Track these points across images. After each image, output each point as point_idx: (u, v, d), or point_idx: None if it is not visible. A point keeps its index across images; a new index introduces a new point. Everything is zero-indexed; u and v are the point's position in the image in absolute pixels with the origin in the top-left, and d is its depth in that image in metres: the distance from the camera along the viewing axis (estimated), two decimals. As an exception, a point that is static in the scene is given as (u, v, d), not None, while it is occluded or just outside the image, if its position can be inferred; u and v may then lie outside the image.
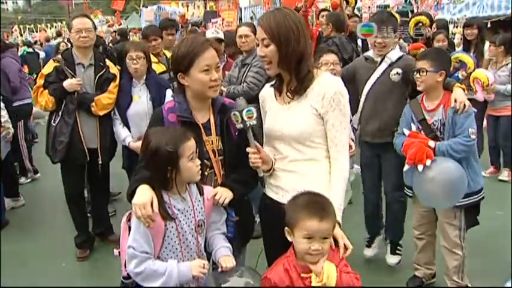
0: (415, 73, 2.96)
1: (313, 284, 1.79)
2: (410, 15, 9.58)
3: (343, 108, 2.03)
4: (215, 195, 2.04)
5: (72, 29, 3.73)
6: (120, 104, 3.83)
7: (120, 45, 5.96)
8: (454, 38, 8.56)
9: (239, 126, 2.01)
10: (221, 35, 4.76)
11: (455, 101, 2.86)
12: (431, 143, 2.83)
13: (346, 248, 1.91)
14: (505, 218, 4.05)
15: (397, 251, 3.53)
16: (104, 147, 3.86)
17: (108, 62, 3.94)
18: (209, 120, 2.15)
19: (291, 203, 1.89)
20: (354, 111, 3.23)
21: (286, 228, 1.87)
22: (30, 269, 3.84)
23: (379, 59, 3.33)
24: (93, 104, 3.73)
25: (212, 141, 2.12)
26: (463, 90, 2.96)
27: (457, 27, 9.05)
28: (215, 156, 2.13)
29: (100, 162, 3.86)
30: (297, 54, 2.01)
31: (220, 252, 2.02)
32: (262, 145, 2.18)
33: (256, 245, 2.29)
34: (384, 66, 3.31)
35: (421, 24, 6.18)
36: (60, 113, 3.76)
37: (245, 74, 4.15)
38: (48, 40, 16.94)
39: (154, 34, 4.57)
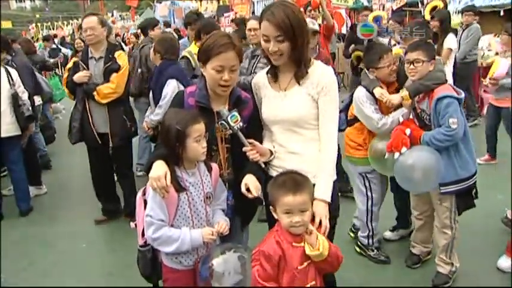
0: (407, 65, 3.04)
1: (308, 253, 1.96)
2: (420, 6, 9.65)
3: (333, 95, 2.21)
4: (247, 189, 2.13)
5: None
6: None
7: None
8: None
9: (229, 132, 2.20)
10: (316, 27, 4.60)
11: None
12: (408, 131, 2.94)
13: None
14: (504, 202, 4.17)
15: None
16: (113, 132, 4.19)
17: (118, 53, 4.22)
18: (225, 107, 2.27)
19: (271, 183, 2.06)
20: None
21: (270, 207, 2.05)
22: (55, 249, 4.12)
23: None
24: (95, 93, 4.10)
25: (222, 129, 2.24)
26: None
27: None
28: (222, 143, 2.30)
29: (111, 145, 4.21)
30: (307, 47, 2.18)
31: (217, 221, 2.22)
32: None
33: (263, 228, 2.43)
34: None
35: (437, 8, 6.41)
36: (75, 101, 4.22)
37: (255, 65, 4.29)
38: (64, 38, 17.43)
39: None
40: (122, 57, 4.23)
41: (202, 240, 2.10)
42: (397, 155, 2.91)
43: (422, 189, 3.10)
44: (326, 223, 2.07)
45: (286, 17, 2.07)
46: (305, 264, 1.99)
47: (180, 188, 2.09)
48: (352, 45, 6.79)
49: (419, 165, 2.87)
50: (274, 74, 2.30)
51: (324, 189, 2.13)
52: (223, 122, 2.17)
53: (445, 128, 2.87)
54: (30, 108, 4.77)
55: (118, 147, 4.26)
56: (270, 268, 1.98)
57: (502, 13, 9.42)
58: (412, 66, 3.02)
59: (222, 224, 2.18)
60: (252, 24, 4.40)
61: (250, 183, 2.12)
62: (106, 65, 4.13)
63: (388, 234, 3.91)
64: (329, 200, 2.12)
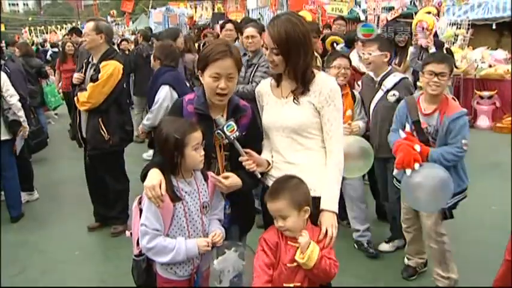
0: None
1: (296, 257, 2.02)
2: (414, 17, 9.71)
3: (338, 104, 2.20)
4: (225, 177, 2.16)
5: None
6: None
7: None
8: (457, 39, 8.69)
9: (225, 141, 2.19)
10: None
11: None
12: (417, 147, 2.83)
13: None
14: (498, 213, 4.20)
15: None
16: (88, 140, 4.21)
17: (104, 63, 4.09)
18: (222, 116, 2.25)
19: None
20: None
21: None
22: (47, 256, 4.05)
23: (378, 79, 3.63)
24: (75, 98, 4.18)
25: (219, 137, 2.23)
26: None
27: (459, 28, 9.13)
28: (221, 151, 2.28)
29: (88, 152, 4.26)
30: (305, 65, 2.15)
31: (212, 230, 2.21)
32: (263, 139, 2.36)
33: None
34: (380, 93, 3.58)
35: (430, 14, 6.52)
36: None
37: (252, 74, 4.26)
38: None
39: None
40: (105, 68, 4.08)
41: (198, 250, 2.08)
42: (409, 171, 2.81)
43: (432, 208, 2.98)
44: (332, 232, 2.07)
45: (284, 32, 2.08)
46: (295, 264, 2.04)
47: (175, 197, 2.07)
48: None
49: (434, 184, 2.76)
50: (277, 80, 2.30)
51: (329, 200, 2.13)
52: (219, 131, 2.16)
53: (456, 148, 2.84)
54: (21, 112, 4.66)
55: (91, 156, 4.26)
56: (271, 254, 2.08)
57: (494, 26, 9.56)
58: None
59: (217, 233, 2.16)
60: (249, 31, 4.36)
61: (230, 178, 2.17)
62: (92, 73, 4.14)
63: (383, 246, 3.89)
64: (336, 210, 2.12)
